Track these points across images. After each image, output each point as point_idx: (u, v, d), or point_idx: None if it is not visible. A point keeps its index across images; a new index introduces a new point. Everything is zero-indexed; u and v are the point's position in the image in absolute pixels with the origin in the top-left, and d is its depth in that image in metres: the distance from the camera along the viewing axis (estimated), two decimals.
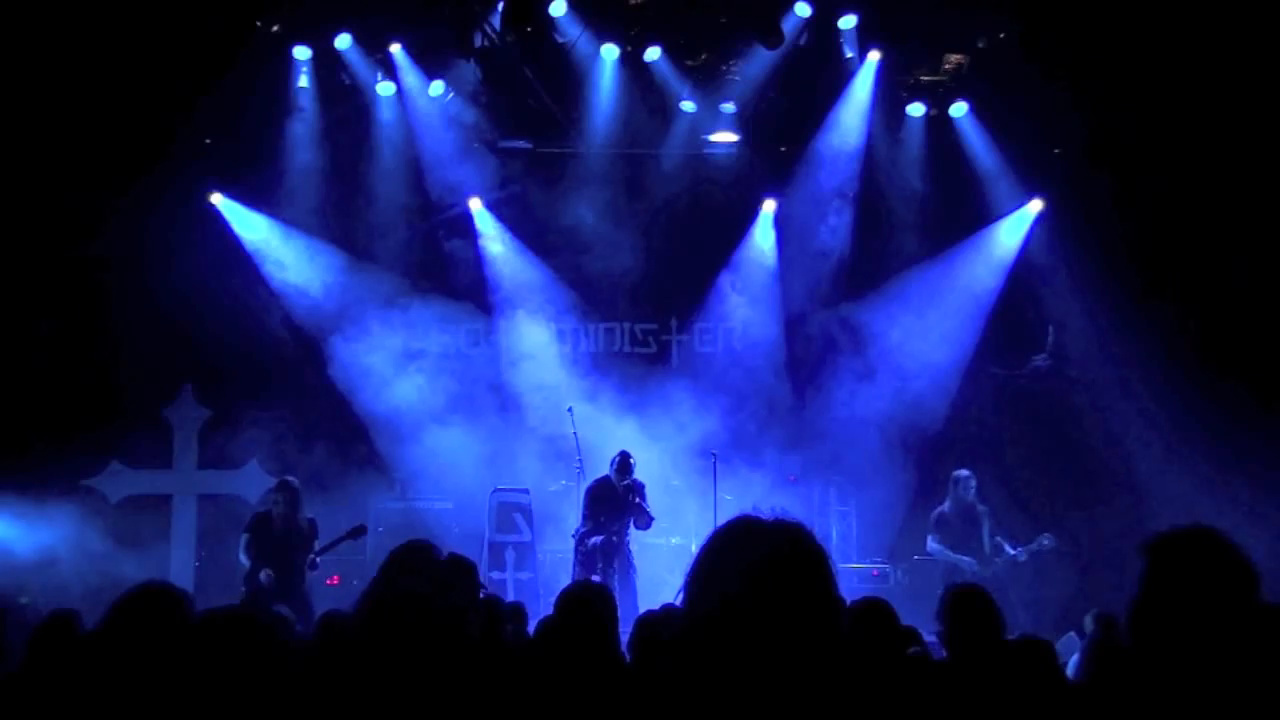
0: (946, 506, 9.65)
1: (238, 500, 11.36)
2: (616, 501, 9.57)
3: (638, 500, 9.60)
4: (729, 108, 11.64)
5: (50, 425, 10.77)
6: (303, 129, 11.39)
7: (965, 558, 9.36)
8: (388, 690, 1.72)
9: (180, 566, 11.23)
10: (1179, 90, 10.14)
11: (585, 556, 9.48)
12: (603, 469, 10.23)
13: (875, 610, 4.17)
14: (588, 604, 3.97)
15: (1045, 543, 9.46)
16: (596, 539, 9.45)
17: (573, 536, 9.72)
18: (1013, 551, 9.47)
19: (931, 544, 9.61)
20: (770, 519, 1.76)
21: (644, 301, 12.23)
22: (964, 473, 9.72)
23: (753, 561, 1.70)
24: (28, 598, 9.44)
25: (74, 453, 11.11)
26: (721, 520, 1.86)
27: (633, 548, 9.66)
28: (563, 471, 10.73)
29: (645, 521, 9.60)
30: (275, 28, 10.80)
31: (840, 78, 11.41)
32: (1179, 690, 2.45)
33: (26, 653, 3.97)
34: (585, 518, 9.66)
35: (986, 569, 9.31)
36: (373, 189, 11.75)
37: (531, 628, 5.89)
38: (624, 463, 9.65)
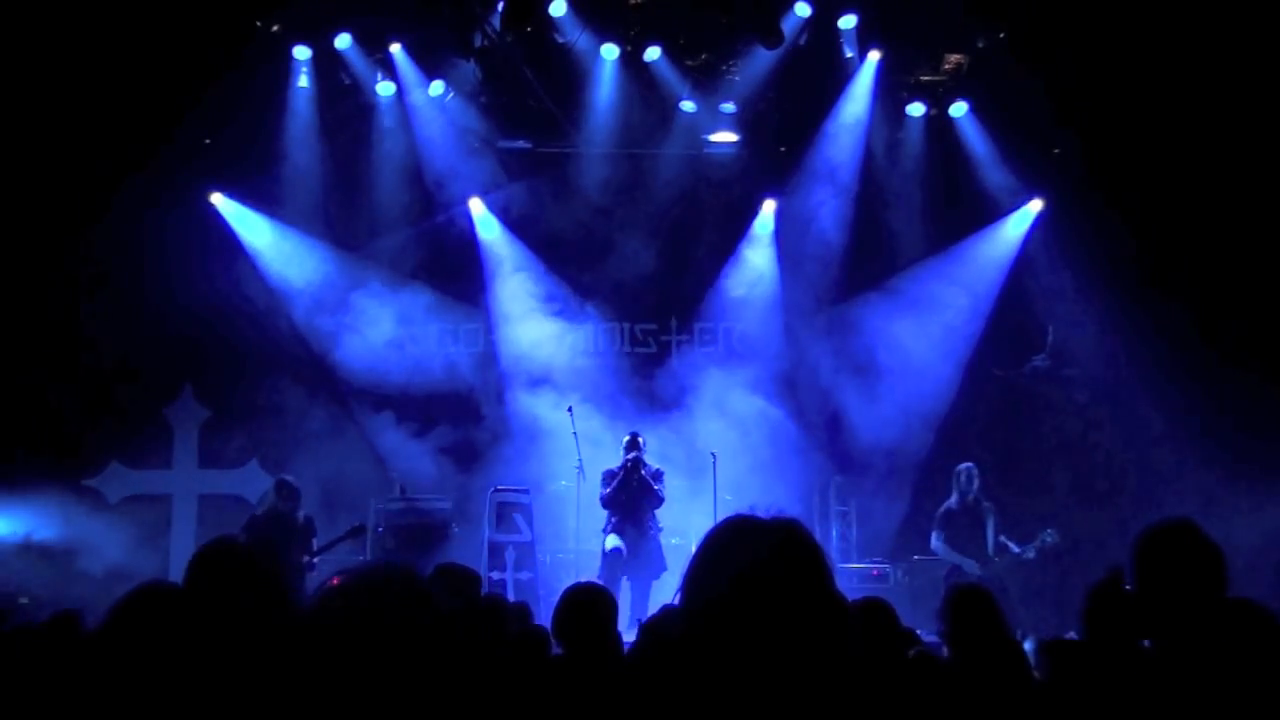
0: (953, 502, 9.63)
1: (238, 500, 11.36)
2: (623, 483, 9.61)
3: (644, 476, 9.64)
4: (729, 108, 11.64)
5: (50, 425, 10.77)
6: (302, 129, 11.38)
7: (968, 560, 9.33)
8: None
9: (180, 566, 11.17)
10: (1179, 89, 10.14)
11: (603, 558, 9.63)
12: (602, 469, 10.27)
13: (875, 610, 4.17)
14: (586, 606, 3.98)
15: (1048, 539, 9.42)
16: (616, 547, 9.54)
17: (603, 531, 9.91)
18: (1017, 550, 9.44)
19: (935, 542, 9.57)
20: (765, 517, 1.77)
21: (644, 301, 12.23)
22: (967, 466, 9.68)
23: (748, 559, 1.70)
24: (28, 598, 9.44)
25: (74, 453, 11.12)
26: (720, 520, 1.86)
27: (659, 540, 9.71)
28: (563, 471, 10.72)
29: (653, 500, 9.66)
30: (275, 28, 10.80)
31: (840, 78, 11.41)
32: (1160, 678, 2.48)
33: (30, 653, 3.97)
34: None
35: (988, 568, 9.30)
36: (373, 189, 11.75)
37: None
38: (630, 441, 9.74)
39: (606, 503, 9.72)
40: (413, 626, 1.67)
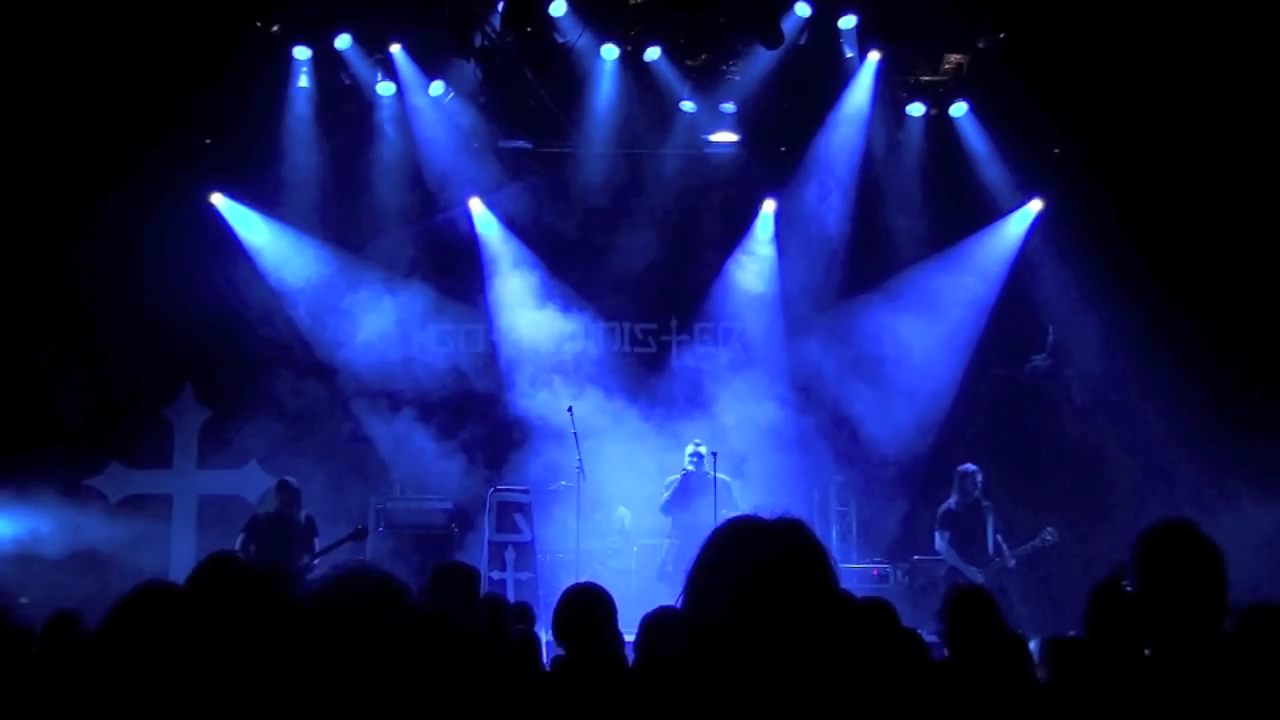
0: (953, 502, 9.62)
1: (238, 500, 11.36)
2: (681, 490, 9.84)
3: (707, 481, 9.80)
4: (729, 108, 11.63)
5: (50, 425, 10.77)
6: (303, 129, 11.38)
7: (972, 567, 9.33)
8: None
9: (180, 567, 11.22)
10: (1178, 89, 10.14)
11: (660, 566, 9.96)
12: (602, 469, 10.27)
13: (876, 610, 4.16)
14: (583, 606, 3.98)
15: (1048, 537, 9.42)
16: (673, 554, 9.83)
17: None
18: (1009, 553, 9.45)
19: (940, 543, 9.57)
20: (769, 518, 1.76)
21: (644, 301, 12.23)
22: (970, 467, 9.68)
23: (752, 561, 1.69)
24: (28, 598, 9.44)
25: (74, 453, 11.11)
26: (722, 520, 1.86)
27: None
28: (563, 471, 10.73)
29: (716, 506, 9.76)
30: (275, 28, 10.79)
31: (840, 78, 11.40)
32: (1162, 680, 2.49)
33: (30, 653, 3.97)
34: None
35: (988, 568, 9.29)
36: (373, 189, 11.74)
37: (538, 628, 5.90)
38: (693, 450, 10.01)
39: (664, 509, 10.04)
40: (394, 631, 1.67)
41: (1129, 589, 2.88)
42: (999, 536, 9.55)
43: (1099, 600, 3.51)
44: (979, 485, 9.59)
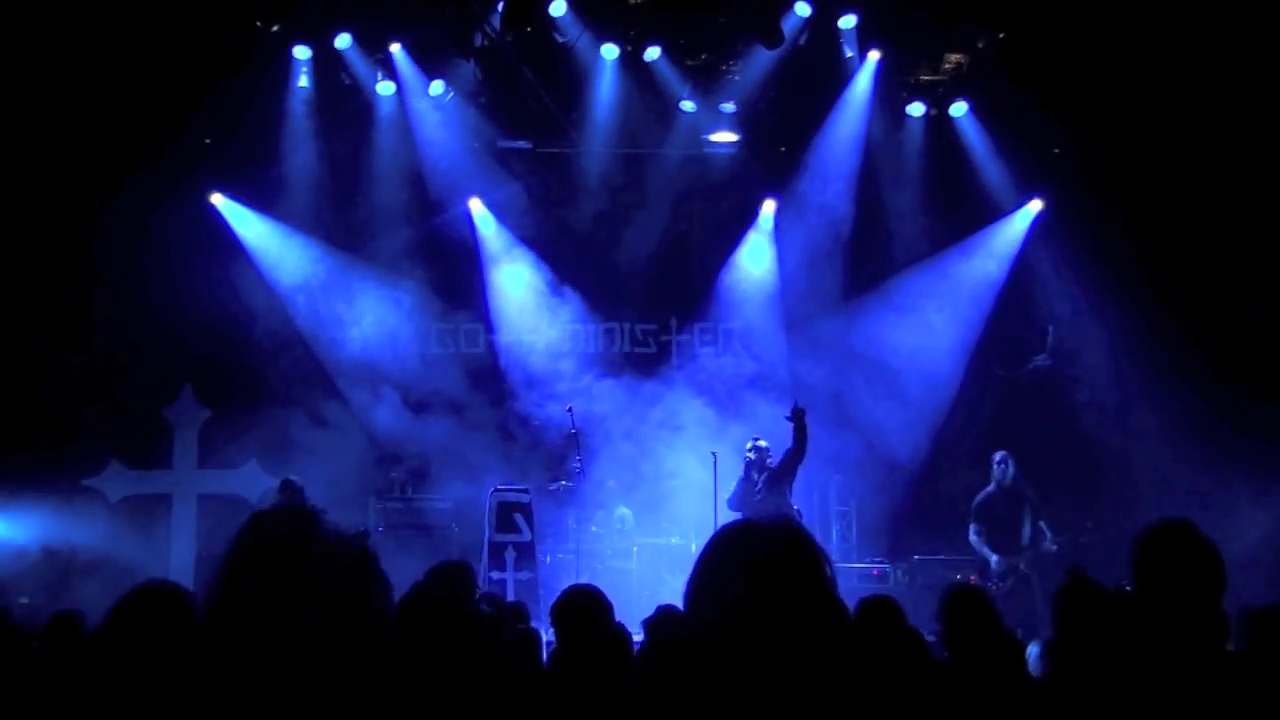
0: (990, 490, 9.70)
1: (238, 500, 11.36)
2: (746, 483, 9.55)
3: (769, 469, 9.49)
4: (729, 108, 11.64)
5: (50, 425, 10.77)
6: (303, 129, 11.38)
7: (994, 554, 9.37)
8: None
9: (180, 566, 11.22)
10: (1178, 89, 10.15)
11: None
12: (602, 470, 10.22)
13: (881, 608, 4.16)
14: (579, 607, 3.98)
15: (1052, 545, 9.51)
16: None
17: None
18: (1049, 537, 9.52)
19: (972, 535, 9.64)
20: (767, 523, 1.78)
21: (644, 301, 12.24)
22: (1001, 453, 9.77)
23: (750, 564, 1.71)
24: (28, 598, 9.45)
25: (74, 453, 11.12)
26: (721, 520, 1.88)
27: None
28: (563, 471, 10.73)
29: (799, 450, 9.37)
30: (275, 28, 10.80)
31: (840, 78, 11.41)
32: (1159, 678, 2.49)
33: (30, 653, 3.97)
34: None
35: (1017, 557, 9.35)
36: (372, 189, 11.75)
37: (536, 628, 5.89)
38: (751, 446, 9.66)
39: (730, 505, 9.70)
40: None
41: (1127, 588, 2.89)
42: (1041, 524, 9.58)
43: (1063, 600, 3.54)
44: (1009, 470, 9.64)
